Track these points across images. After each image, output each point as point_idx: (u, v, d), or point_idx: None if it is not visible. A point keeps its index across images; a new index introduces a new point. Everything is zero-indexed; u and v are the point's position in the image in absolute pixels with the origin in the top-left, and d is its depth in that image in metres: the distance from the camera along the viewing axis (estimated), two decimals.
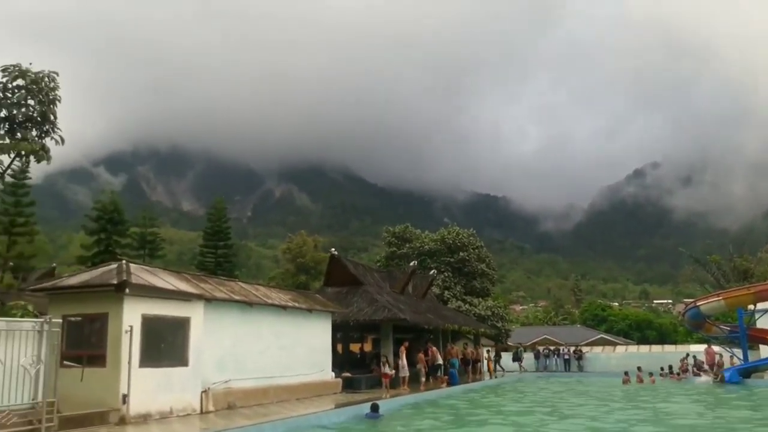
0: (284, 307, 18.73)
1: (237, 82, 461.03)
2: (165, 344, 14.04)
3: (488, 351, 39.22)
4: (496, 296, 53.90)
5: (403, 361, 22.90)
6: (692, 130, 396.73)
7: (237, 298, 16.93)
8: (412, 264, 34.05)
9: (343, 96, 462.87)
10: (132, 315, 13.05)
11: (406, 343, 24.16)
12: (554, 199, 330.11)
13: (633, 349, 47.78)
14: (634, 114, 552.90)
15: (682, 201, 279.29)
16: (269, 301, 18.26)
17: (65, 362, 12.32)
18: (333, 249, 29.47)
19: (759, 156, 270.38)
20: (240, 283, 19.76)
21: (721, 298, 31.44)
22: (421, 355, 25.13)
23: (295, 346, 19.07)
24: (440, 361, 26.34)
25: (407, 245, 46.55)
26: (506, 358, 42.01)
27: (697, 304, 32.15)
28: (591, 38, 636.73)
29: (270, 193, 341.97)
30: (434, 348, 26.92)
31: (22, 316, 13.62)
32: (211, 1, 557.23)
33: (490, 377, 33.62)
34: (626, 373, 30.42)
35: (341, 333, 26.53)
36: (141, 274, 14.04)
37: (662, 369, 34.80)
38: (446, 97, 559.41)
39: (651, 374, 30.84)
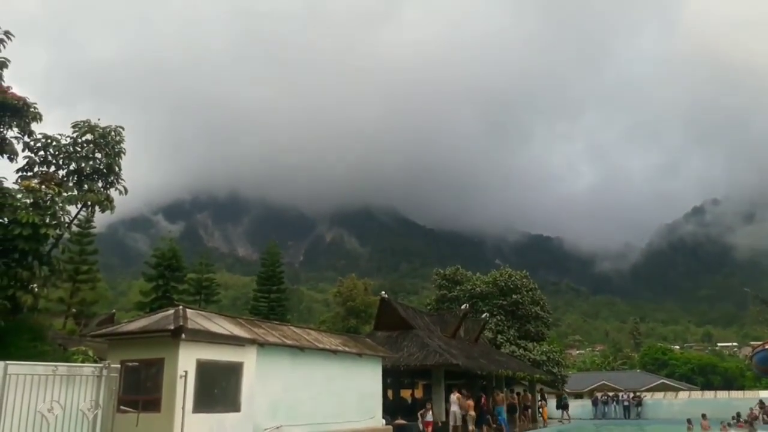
0: (335, 352, 18.78)
1: (291, 129, 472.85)
2: (218, 389, 14.14)
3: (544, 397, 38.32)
4: (552, 340, 52.46)
5: (455, 407, 22.41)
6: (752, 164, 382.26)
7: (289, 342, 17.08)
8: (463, 307, 33.73)
9: (391, 138, 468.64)
10: (187, 360, 13.21)
11: (460, 390, 23.78)
12: (610, 239, 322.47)
13: (697, 394, 45.68)
14: (690, 149, 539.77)
15: (745, 238, 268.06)
16: (320, 346, 18.36)
17: (122, 407, 12.50)
18: (383, 292, 29.49)
19: None
20: (292, 327, 19.98)
21: None
22: (471, 402, 24.48)
23: (346, 392, 19.01)
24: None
25: (458, 288, 46.06)
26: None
27: (766, 347, 30.73)
28: (642, 73, 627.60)
29: (321, 238, 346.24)
30: (484, 396, 26.38)
31: (82, 362, 14.08)
32: (269, 50, 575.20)
33: (544, 425, 32.71)
34: (689, 421, 29.06)
35: (392, 378, 26.32)
36: (197, 319, 14.34)
37: (732, 417, 33.04)
38: (495, 137, 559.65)
39: (722, 422, 29.12)
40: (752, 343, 59.44)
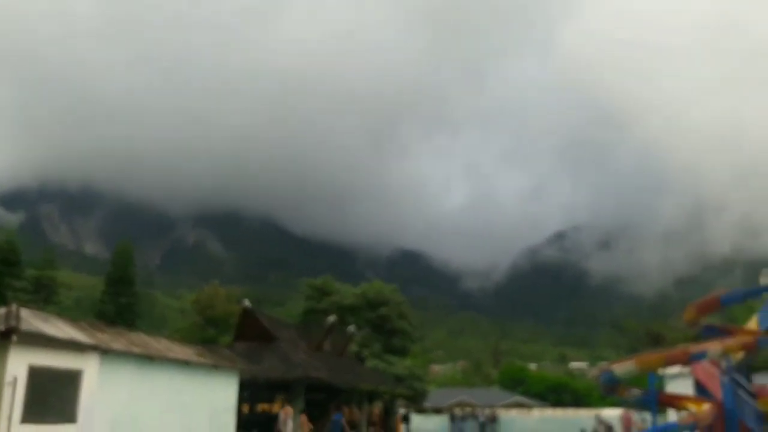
0: (187, 363, 17.60)
1: (159, 124, 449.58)
2: (53, 398, 12.94)
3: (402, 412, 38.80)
4: (415, 355, 53.27)
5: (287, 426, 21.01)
6: (611, 196, 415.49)
7: (136, 351, 15.78)
8: (330, 319, 33.18)
9: (268, 143, 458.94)
10: (18, 365, 11.99)
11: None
12: (477, 257, 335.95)
13: (548, 412, 48.09)
14: (558, 177, 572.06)
15: (599, 265, 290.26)
16: (172, 356, 17.13)
17: None
18: (246, 301, 28.29)
19: (671, 225, 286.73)
20: (141, 334, 18.51)
21: (633, 362, 32.12)
22: (304, 417, 23.21)
23: (198, 405, 17.87)
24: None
25: (327, 299, 45.56)
26: (420, 420, 41.55)
27: (612, 368, 32.71)
28: (521, 97, 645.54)
29: (182, 240, 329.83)
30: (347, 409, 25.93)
31: None
32: (143, 38, 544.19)
33: None
34: None
35: (249, 392, 25.18)
36: (32, 320, 13.05)
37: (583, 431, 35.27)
38: (374, 150, 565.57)
39: None
40: (601, 363, 63.75)
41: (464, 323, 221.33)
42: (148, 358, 16.04)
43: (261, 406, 29.96)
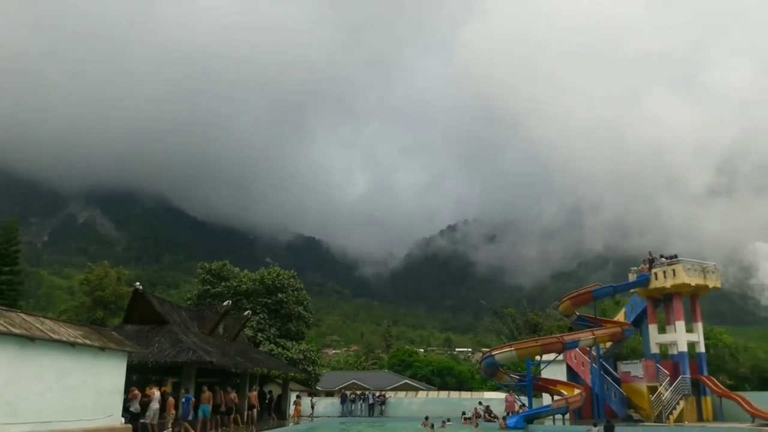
0: (72, 344, 16.99)
1: (54, 95, 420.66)
2: None
3: (298, 396, 39.30)
4: (310, 340, 53.72)
5: (155, 404, 20.44)
6: (499, 193, 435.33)
7: (16, 331, 15.03)
8: (225, 304, 32.91)
9: (169, 123, 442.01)
10: None
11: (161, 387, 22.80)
12: (375, 245, 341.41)
13: (433, 394, 50.04)
14: (453, 172, 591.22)
15: (485, 257, 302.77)
16: (55, 337, 16.45)
17: None
18: (137, 283, 27.51)
19: (552, 222, 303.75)
20: (22, 314, 17.62)
21: (513, 348, 34.33)
22: (171, 401, 22.14)
23: (82, 388, 17.28)
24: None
25: (223, 284, 44.94)
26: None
27: (493, 353, 34.77)
28: (423, 94, 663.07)
29: (72, 218, 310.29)
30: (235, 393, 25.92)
31: None
32: (36, 12, 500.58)
33: (297, 422, 33.42)
34: (426, 418, 31.77)
35: (138, 375, 24.60)
36: None
37: (463, 413, 37.13)
38: (279, 135, 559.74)
39: (443, 421, 32.33)
40: (483, 349, 67.08)
41: (359, 309, 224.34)
42: (30, 339, 15.37)
43: (149, 390, 29.23)
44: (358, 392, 46.01)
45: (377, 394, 44.68)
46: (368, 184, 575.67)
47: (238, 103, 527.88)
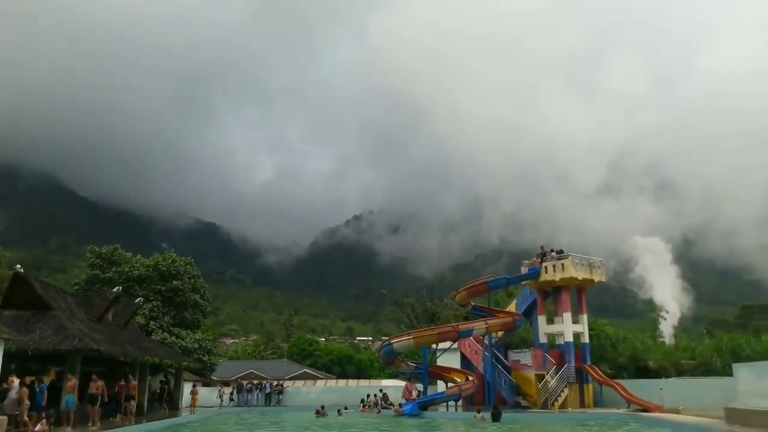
0: None
1: None
2: None
3: (194, 385, 38.42)
4: (207, 329, 52.42)
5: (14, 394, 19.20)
6: (405, 184, 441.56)
7: None
8: (115, 290, 31.42)
9: (56, 100, 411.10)
10: None
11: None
12: (279, 233, 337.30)
13: (332, 383, 50.27)
14: (361, 161, 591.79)
15: (389, 247, 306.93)
16: None
17: None
18: (18, 266, 25.67)
19: (453, 215, 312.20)
20: None
21: (411, 337, 35.05)
22: (25, 391, 20.86)
23: None
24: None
25: (114, 269, 42.89)
26: (207, 393, 41.43)
27: (391, 341, 35.36)
28: (333, 81, 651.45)
29: None
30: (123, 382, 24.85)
31: None
32: None
33: (192, 412, 32.61)
34: (322, 407, 31.86)
35: (17, 363, 23.01)
36: None
37: (362, 401, 37.53)
38: (180, 115, 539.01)
39: (338, 409, 32.56)
40: (383, 338, 68.01)
41: (260, 298, 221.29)
42: None
43: (30, 379, 27.46)
44: (255, 382, 45.43)
45: (275, 383, 44.33)
46: (274, 169, 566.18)
47: (133, 77, 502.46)
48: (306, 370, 60.97)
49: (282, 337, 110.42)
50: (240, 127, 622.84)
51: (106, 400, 22.51)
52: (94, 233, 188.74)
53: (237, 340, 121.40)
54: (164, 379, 33.56)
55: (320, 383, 50.42)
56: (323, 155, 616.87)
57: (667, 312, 60.96)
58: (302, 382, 50.41)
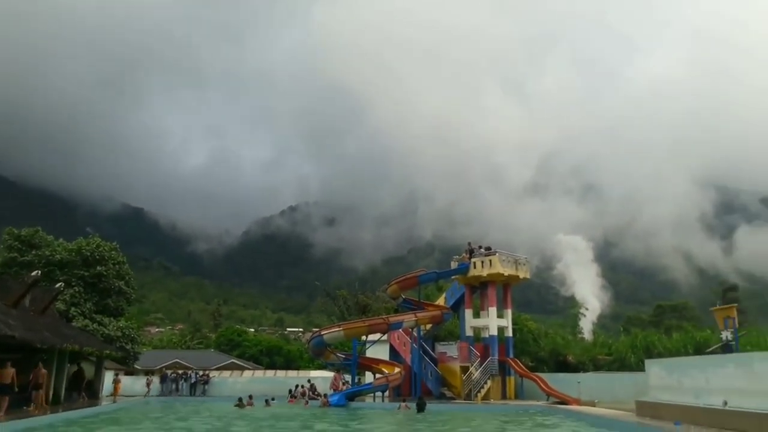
0: None
1: None
2: None
3: (116, 374, 37.45)
4: (131, 317, 51.02)
5: None
6: (342, 176, 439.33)
7: None
8: (34, 274, 30.14)
9: None
10: None
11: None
12: (210, 221, 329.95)
13: (259, 373, 49.92)
14: (298, 151, 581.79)
15: (323, 239, 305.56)
16: None
17: None
18: None
19: (388, 209, 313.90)
20: None
21: (341, 328, 35.26)
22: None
23: None
24: None
25: (34, 252, 41.12)
26: (130, 381, 40.49)
27: (321, 333, 35.48)
28: (273, 68, 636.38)
29: None
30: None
31: None
32: None
33: (114, 401, 31.80)
34: (250, 397, 31.71)
35: None
36: None
37: (290, 391, 37.49)
38: (108, 94, 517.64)
39: (267, 400, 32.45)
40: (313, 329, 67.91)
41: (188, 286, 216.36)
42: None
43: None
44: (180, 371, 44.61)
45: (200, 373, 43.66)
46: (208, 155, 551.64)
47: (62, 58, 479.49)
48: (233, 360, 60.24)
49: (210, 327, 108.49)
50: (174, 111, 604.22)
51: (16, 389, 21.59)
52: (12, 214, 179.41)
53: (163, 329, 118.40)
54: (78, 368, 32.44)
55: (247, 374, 49.97)
56: (259, 143, 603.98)
57: (587, 309, 63.64)
58: (229, 372, 49.79)
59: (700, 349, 34.04)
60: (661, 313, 66.87)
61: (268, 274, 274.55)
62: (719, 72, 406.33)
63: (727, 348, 25.73)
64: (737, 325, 27.66)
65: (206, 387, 41.85)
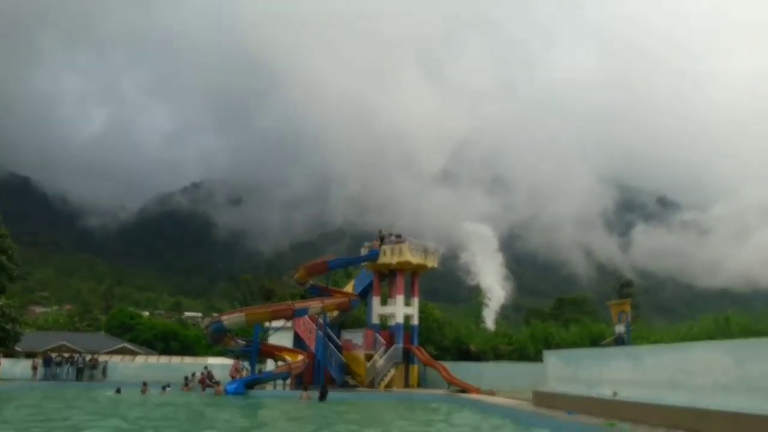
0: None
1: None
2: None
3: None
4: (13, 295, 47.30)
5: None
6: (250, 155, 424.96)
7: None
8: None
9: None
10: None
11: None
12: (104, 195, 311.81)
13: (153, 359, 47.74)
14: (204, 124, 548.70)
15: (227, 220, 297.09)
16: None
17: None
18: None
19: (298, 191, 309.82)
20: None
21: (243, 313, 34.05)
22: None
23: None
24: None
25: None
26: (9, 365, 37.38)
27: (221, 318, 34.07)
28: (179, 34, 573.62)
29: None
30: None
31: None
32: None
33: None
34: (145, 384, 30.13)
35: None
36: None
37: (185, 378, 35.88)
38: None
39: (163, 387, 30.92)
40: (214, 314, 65.85)
41: (78, 264, 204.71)
42: None
43: None
44: (66, 355, 41.77)
45: (89, 357, 41.04)
46: (103, 123, 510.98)
47: None
48: (125, 344, 57.27)
49: (101, 309, 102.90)
50: (68, 73, 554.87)
51: None
52: None
53: (49, 309, 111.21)
54: None
55: (140, 359, 47.56)
56: (162, 113, 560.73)
57: (490, 299, 65.40)
58: (120, 357, 47.21)
59: (595, 342, 35.54)
60: (561, 305, 69.73)
61: (167, 254, 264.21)
62: (628, 73, 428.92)
63: (619, 341, 26.92)
64: (630, 320, 29.06)
65: (94, 372, 39.46)
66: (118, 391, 28.43)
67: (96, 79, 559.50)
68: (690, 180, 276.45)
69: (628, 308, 28.92)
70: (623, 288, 67.27)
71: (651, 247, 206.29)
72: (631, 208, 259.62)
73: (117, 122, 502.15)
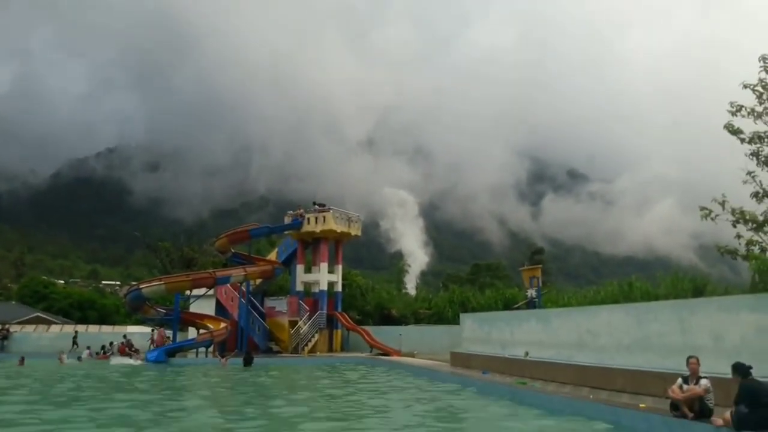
0: None
1: None
2: None
3: None
4: None
5: None
6: (170, 119, 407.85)
7: None
8: None
9: None
10: None
11: None
12: (12, 159, 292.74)
13: (69, 328, 46.36)
14: (120, 85, 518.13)
15: (144, 186, 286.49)
16: None
17: None
18: None
19: (219, 158, 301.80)
20: None
21: (163, 282, 33.71)
22: None
23: None
24: None
25: None
26: None
27: (140, 287, 33.61)
28: None
29: None
30: None
31: None
32: None
33: None
34: (62, 353, 29.67)
35: None
36: None
37: (102, 347, 35.28)
38: None
39: (80, 357, 30.40)
40: (132, 282, 64.20)
41: None
42: None
43: None
44: None
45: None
46: (10, 83, 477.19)
47: None
48: (39, 314, 55.08)
49: (11, 278, 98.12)
50: None
51: None
52: None
53: None
54: None
55: (55, 328, 46.10)
56: (74, 73, 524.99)
57: (410, 265, 66.98)
58: (33, 326, 45.57)
59: (508, 305, 37.39)
60: (477, 271, 72.23)
61: (81, 222, 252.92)
62: (543, 48, 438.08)
63: (531, 304, 28.61)
64: (541, 284, 30.82)
65: (6, 342, 38.05)
66: (22, 361, 27.63)
67: (0, 36, 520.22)
68: (598, 154, 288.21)
69: (539, 274, 30.67)
70: (534, 255, 70.34)
71: (560, 217, 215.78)
72: (543, 180, 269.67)
73: (24, 80, 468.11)
